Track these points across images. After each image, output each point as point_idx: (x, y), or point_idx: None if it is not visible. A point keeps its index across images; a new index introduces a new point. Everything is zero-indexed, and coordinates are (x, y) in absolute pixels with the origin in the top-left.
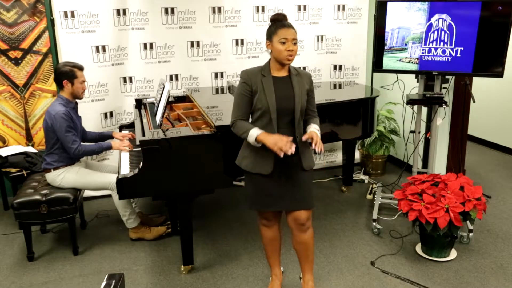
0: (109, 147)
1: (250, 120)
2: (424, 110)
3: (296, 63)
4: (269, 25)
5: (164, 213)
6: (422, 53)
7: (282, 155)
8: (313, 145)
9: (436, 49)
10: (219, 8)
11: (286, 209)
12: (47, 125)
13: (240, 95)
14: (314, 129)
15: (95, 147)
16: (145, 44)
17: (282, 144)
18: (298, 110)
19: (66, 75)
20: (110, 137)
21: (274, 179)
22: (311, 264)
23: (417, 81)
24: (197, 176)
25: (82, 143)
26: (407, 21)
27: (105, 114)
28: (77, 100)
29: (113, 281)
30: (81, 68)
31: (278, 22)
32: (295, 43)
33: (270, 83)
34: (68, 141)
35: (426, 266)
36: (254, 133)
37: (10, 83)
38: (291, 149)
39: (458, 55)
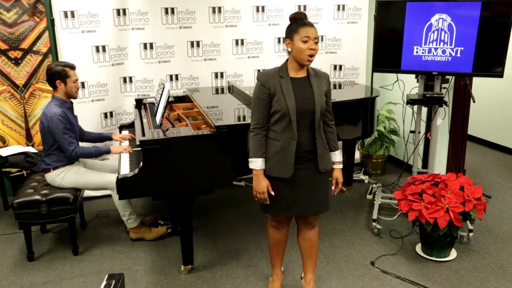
0: (108, 151)
1: (269, 122)
2: (424, 110)
3: None
4: (289, 24)
5: (164, 213)
6: (422, 53)
7: (256, 198)
8: (333, 188)
9: (436, 49)
10: (219, 8)
11: (300, 213)
12: (43, 127)
13: (258, 98)
14: (338, 166)
15: (92, 150)
16: (145, 44)
17: (261, 197)
18: (318, 111)
19: (59, 75)
20: (109, 138)
21: (290, 183)
22: (314, 263)
23: (417, 81)
24: (197, 176)
25: (80, 143)
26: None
27: (105, 114)
28: (73, 100)
29: (113, 281)
30: (73, 67)
31: (299, 20)
32: (316, 42)
33: (288, 85)
34: (65, 143)
35: (426, 266)
36: (257, 165)
37: (10, 83)
38: (266, 201)
39: (458, 55)
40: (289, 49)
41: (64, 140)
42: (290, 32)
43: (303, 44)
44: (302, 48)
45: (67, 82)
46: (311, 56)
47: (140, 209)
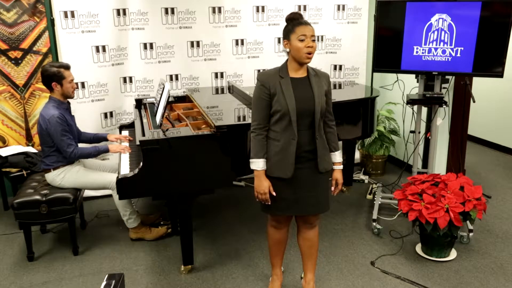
0: (106, 150)
1: (270, 122)
2: (424, 110)
3: None
4: (286, 25)
5: (164, 213)
6: (422, 53)
7: (257, 199)
8: (332, 188)
9: (436, 49)
10: (219, 8)
11: (300, 213)
12: (41, 129)
13: (259, 99)
14: (338, 166)
15: (91, 150)
16: (145, 44)
17: (263, 197)
18: (318, 111)
19: (54, 76)
20: (105, 139)
21: (290, 183)
22: (314, 263)
23: (417, 81)
24: (197, 176)
25: (78, 144)
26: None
27: (105, 114)
28: (73, 100)
29: (113, 281)
30: (67, 68)
31: (295, 20)
32: (313, 40)
33: (288, 85)
34: (64, 145)
35: (426, 266)
36: (258, 165)
37: (10, 83)
38: (267, 202)
39: (458, 55)
40: (288, 50)
41: (63, 142)
42: (287, 33)
43: (300, 43)
44: (299, 46)
45: (63, 83)
46: (310, 53)
47: (140, 209)
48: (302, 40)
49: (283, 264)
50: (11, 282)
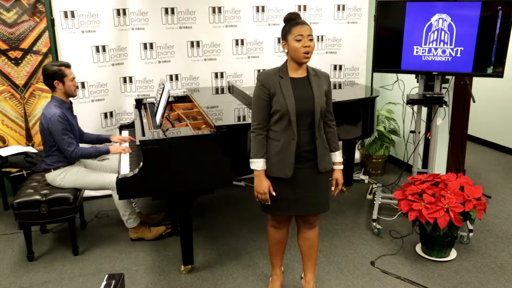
0: (107, 152)
1: (269, 122)
2: (424, 110)
3: None
4: (283, 26)
5: (163, 212)
6: (422, 53)
7: (257, 199)
8: (332, 188)
9: (436, 49)
10: (219, 8)
11: (300, 213)
12: (43, 128)
13: (259, 99)
14: (339, 166)
15: (92, 151)
16: (145, 44)
17: (263, 197)
18: (318, 111)
19: (56, 75)
20: (108, 140)
21: (290, 183)
22: (314, 263)
23: (417, 81)
24: (197, 176)
25: (80, 144)
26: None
27: (105, 114)
28: (73, 100)
29: (113, 281)
30: (68, 66)
31: (292, 20)
32: (311, 39)
33: (288, 85)
34: (65, 144)
35: (426, 266)
36: (258, 165)
37: (10, 83)
38: (267, 202)
39: (458, 55)
40: (286, 50)
41: (64, 141)
42: (285, 34)
43: (297, 43)
44: (296, 47)
45: (65, 81)
46: (307, 53)
47: (141, 210)
48: (299, 40)
49: (283, 264)
50: (11, 282)
